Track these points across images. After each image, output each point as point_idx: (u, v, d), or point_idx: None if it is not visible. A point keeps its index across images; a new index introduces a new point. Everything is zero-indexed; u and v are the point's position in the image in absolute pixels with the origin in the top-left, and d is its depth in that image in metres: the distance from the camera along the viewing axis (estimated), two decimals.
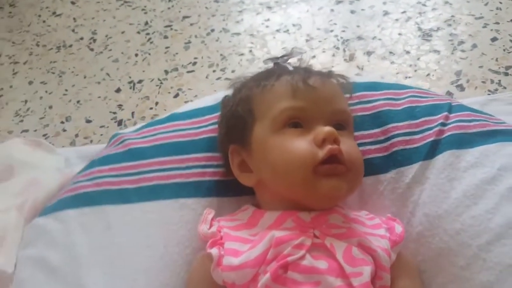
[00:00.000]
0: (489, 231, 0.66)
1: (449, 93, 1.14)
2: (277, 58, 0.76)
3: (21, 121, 1.34)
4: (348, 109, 0.71)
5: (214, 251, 0.62)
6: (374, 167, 0.77)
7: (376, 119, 0.81)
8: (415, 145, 0.77)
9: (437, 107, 0.81)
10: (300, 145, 0.63)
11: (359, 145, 0.77)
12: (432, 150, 0.76)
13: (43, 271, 0.73)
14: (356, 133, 0.78)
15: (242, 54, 1.39)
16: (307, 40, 1.38)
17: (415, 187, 0.75)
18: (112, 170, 0.81)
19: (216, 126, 0.81)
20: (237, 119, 0.71)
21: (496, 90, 1.13)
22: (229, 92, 0.77)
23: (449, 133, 0.77)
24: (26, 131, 1.30)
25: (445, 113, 0.79)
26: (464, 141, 0.75)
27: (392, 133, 0.79)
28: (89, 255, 0.73)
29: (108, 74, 1.42)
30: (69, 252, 0.73)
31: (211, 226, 0.66)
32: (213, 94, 0.93)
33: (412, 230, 0.72)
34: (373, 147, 0.79)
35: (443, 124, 0.78)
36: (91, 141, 1.22)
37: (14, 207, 0.85)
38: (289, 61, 0.75)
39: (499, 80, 1.15)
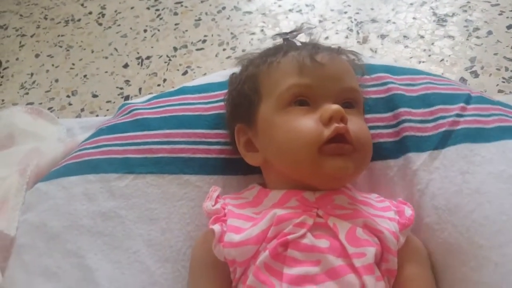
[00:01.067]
0: (504, 234, 0.62)
1: (462, 80, 1.12)
2: (286, 33, 0.74)
3: (27, 93, 1.33)
4: (357, 87, 0.68)
5: (216, 227, 0.61)
6: (384, 151, 0.75)
7: (389, 103, 0.78)
8: (427, 134, 0.74)
9: (455, 97, 0.78)
10: (306, 123, 0.61)
11: (371, 128, 0.75)
12: (444, 140, 0.73)
13: (43, 237, 0.72)
14: (369, 116, 0.76)
15: (253, 33, 1.37)
16: (320, 21, 1.35)
17: (422, 175, 0.72)
18: (118, 139, 0.80)
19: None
20: (243, 97, 0.69)
21: (511, 78, 1.10)
22: (237, 69, 0.75)
23: (465, 126, 0.73)
24: (32, 103, 1.29)
25: (462, 104, 0.76)
26: (480, 135, 0.72)
27: (403, 117, 0.76)
28: (90, 224, 0.72)
29: (116, 49, 1.41)
30: (70, 220, 0.73)
31: (216, 203, 0.65)
32: (224, 71, 0.91)
33: (420, 220, 0.69)
34: (384, 131, 0.76)
35: (459, 115, 0.75)
36: (97, 116, 1.21)
37: (15, 172, 0.85)
38: (298, 37, 0.73)
39: None
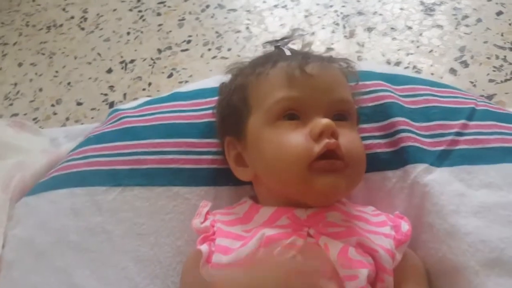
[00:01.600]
0: (501, 264, 0.60)
1: (452, 70, 1.10)
2: (277, 41, 0.71)
3: (11, 104, 1.30)
4: (350, 98, 0.65)
5: (204, 247, 0.59)
6: (381, 162, 0.72)
7: (386, 110, 0.74)
8: (424, 147, 0.71)
9: (456, 112, 0.74)
10: (295, 139, 0.58)
11: (367, 138, 0.73)
12: (441, 159, 0.70)
13: (31, 253, 0.71)
14: (365, 126, 0.73)
15: (238, 31, 1.34)
16: (305, 16, 1.33)
17: (417, 188, 0.69)
18: (105, 149, 0.78)
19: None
20: (232, 109, 0.67)
21: (502, 66, 1.09)
22: (226, 78, 0.73)
23: (464, 146, 0.70)
24: (16, 114, 1.27)
25: (464, 121, 0.73)
26: (480, 156, 0.69)
27: (401, 126, 0.72)
28: (78, 241, 0.71)
29: (99, 54, 1.38)
30: (58, 236, 0.72)
31: (205, 220, 0.63)
32: (219, 76, 0.89)
33: (417, 236, 0.66)
34: (382, 141, 0.73)
35: (459, 134, 0.71)
36: (82, 124, 1.18)
37: None
38: (290, 43, 0.71)
39: (505, 56, 1.10)
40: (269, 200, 0.63)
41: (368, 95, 0.76)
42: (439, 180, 0.68)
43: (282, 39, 0.71)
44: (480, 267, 0.60)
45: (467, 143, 0.71)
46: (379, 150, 0.72)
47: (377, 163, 0.72)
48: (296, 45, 0.72)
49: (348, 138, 0.60)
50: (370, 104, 0.75)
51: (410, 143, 0.71)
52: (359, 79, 0.72)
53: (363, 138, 0.72)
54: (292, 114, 0.60)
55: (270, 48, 0.72)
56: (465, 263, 0.61)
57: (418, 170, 0.69)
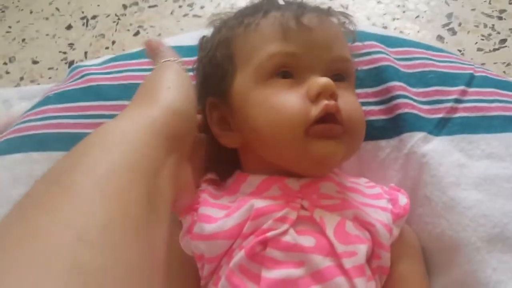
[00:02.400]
0: (504, 239, 0.56)
1: (440, 37, 1.05)
2: None
3: None
4: (349, 57, 0.57)
5: (185, 218, 0.53)
6: (376, 130, 0.66)
7: (381, 74, 0.69)
8: (421, 114, 0.66)
9: (454, 77, 0.69)
10: (290, 100, 0.51)
11: (362, 104, 0.65)
12: (440, 127, 0.65)
13: None
14: (359, 90, 0.66)
15: None
16: None
17: (414, 158, 0.64)
18: (68, 110, 0.71)
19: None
20: (215, 66, 0.58)
21: (490, 35, 1.04)
22: (208, 31, 0.63)
23: (463, 114, 0.65)
24: None
25: (463, 87, 0.67)
26: (480, 125, 0.64)
27: (397, 92, 0.66)
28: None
29: (57, 9, 1.28)
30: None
31: None
32: (196, 32, 0.80)
33: (412, 210, 0.61)
34: (376, 107, 0.67)
35: (458, 101, 0.66)
36: (38, 84, 1.10)
37: None
38: None
39: (493, 25, 1.06)
40: (257, 169, 0.56)
41: (362, 57, 0.69)
42: (438, 150, 0.63)
43: None
44: (482, 243, 0.56)
45: (466, 111, 0.65)
46: (373, 118, 0.66)
47: (370, 131, 0.64)
48: None
49: (348, 101, 0.53)
50: (364, 68, 0.69)
51: (407, 110, 0.65)
52: (356, 38, 0.63)
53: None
54: (286, 72, 0.53)
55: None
56: (465, 239, 0.57)
57: (415, 139, 0.64)
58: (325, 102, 0.49)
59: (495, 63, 0.99)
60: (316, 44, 0.53)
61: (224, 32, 0.58)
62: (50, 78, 1.11)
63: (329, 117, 0.50)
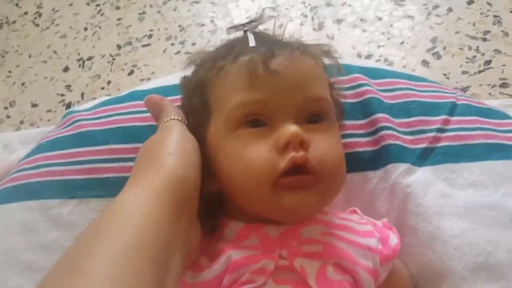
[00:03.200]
0: (489, 267, 0.58)
1: (425, 62, 1.07)
2: (244, 24, 0.59)
3: None
4: (325, 95, 0.55)
5: None
6: (362, 162, 0.67)
7: (366, 107, 0.70)
8: (405, 145, 0.67)
9: (436, 106, 0.70)
10: (257, 152, 0.50)
11: (348, 136, 0.68)
12: (423, 158, 0.66)
13: None
14: (347, 123, 0.68)
15: (203, 25, 1.28)
16: (272, 8, 1.28)
17: (400, 189, 0.65)
18: (59, 157, 0.73)
19: None
20: (192, 110, 0.58)
21: (475, 57, 1.06)
22: (189, 71, 0.63)
23: (446, 143, 0.67)
24: None
25: (445, 116, 0.69)
26: (463, 154, 0.66)
27: (381, 123, 0.68)
28: (32, 260, 0.67)
29: (55, 52, 1.31)
30: (11, 255, 0.67)
31: None
32: (180, 72, 0.82)
33: (401, 239, 0.62)
34: (363, 139, 0.68)
35: (440, 130, 0.68)
36: (38, 128, 1.12)
37: None
38: (258, 27, 0.60)
39: (477, 47, 1.08)
40: (237, 214, 0.56)
41: (348, 91, 0.71)
42: (422, 180, 0.65)
43: (250, 22, 0.59)
44: (467, 272, 0.58)
45: (449, 140, 0.67)
46: (359, 149, 0.68)
47: (357, 163, 0.67)
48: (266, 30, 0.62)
49: (323, 146, 0.51)
50: (350, 101, 0.70)
51: (391, 141, 0.67)
52: (341, 69, 0.62)
53: (344, 136, 0.68)
54: (256, 120, 0.52)
55: (238, 34, 0.60)
56: (451, 268, 0.59)
57: (399, 170, 0.66)
58: (292, 154, 0.48)
59: (480, 85, 1.01)
60: (285, 88, 0.51)
61: (200, 74, 0.58)
62: (49, 120, 1.14)
63: (298, 168, 0.49)
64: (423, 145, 0.67)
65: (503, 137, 0.68)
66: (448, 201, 0.62)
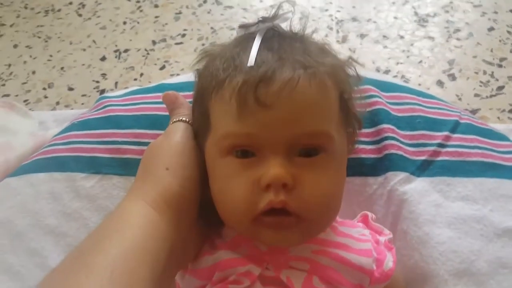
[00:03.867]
0: (470, 274, 0.61)
1: (440, 82, 1.11)
2: (255, 24, 0.55)
3: (3, 85, 1.30)
4: (324, 128, 0.50)
5: None
6: (365, 168, 0.72)
7: (374, 117, 0.74)
8: (406, 155, 0.71)
9: (440, 123, 0.74)
10: (239, 188, 0.48)
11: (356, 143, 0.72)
12: (422, 169, 0.70)
13: (8, 234, 0.72)
14: None
15: (233, 29, 1.35)
16: (300, 18, 1.32)
17: (396, 196, 0.70)
18: (88, 136, 0.78)
19: None
20: (196, 118, 0.57)
21: (488, 82, 1.10)
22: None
23: (445, 158, 0.71)
24: (8, 95, 1.27)
25: (447, 133, 0.73)
26: (459, 169, 0.69)
27: (386, 133, 0.72)
28: (55, 224, 0.72)
29: (94, 41, 1.39)
30: (36, 219, 0.73)
31: None
32: None
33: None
34: (368, 147, 0.73)
35: (441, 145, 0.72)
36: (72, 109, 1.19)
37: None
38: (273, 24, 0.56)
39: (492, 72, 1.12)
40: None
41: (359, 100, 0.76)
42: (418, 189, 0.69)
43: (263, 20, 0.55)
44: (449, 277, 0.62)
45: (448, 155, 0.71)
46: (364, 156, 0.73)
47: (360, 168, 0.72)
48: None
49: (311, 184, 0.48)
50: (359, 110, 0.75)
51: (393, 151, 0.72)
52: (360, 80, 0.59)
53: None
54: (246, 151, 0.49)
55: (248, 30, 0.56)
56: (435, 271, 0.62)
57: (398, 178, 0.70)
58: (271, 197, 0.46)
59: (490, 109, 1.05)
60: (276, 121, 0.47)
61: (202, 83, 0.55)
62: (82, 104, 1.21)
63: (279, 209, 0.47)
64: (423, 157, 0.71)
65: (499, 157, 0.71)
66: (440, 211, 0.66)
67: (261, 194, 0.47)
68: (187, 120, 0.57)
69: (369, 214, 0.63)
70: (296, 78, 0.47)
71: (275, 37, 0.53)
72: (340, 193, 0.53)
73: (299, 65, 0.48)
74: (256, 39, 0.51)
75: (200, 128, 0.55)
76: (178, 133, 0.55)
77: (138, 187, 0.52)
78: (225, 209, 0.51)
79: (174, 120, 0.58)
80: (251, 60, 0.48)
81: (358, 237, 0.57)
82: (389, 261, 0.57)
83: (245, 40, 0.53)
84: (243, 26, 0.57)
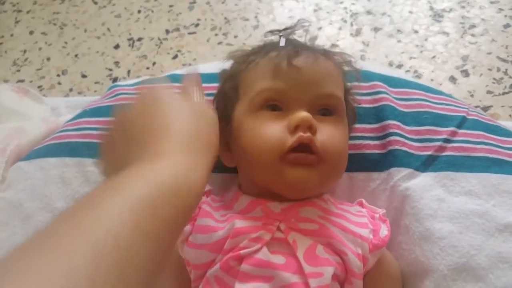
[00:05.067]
0: (469, 269, 0.62)
1: (452, 78, 1.10)
2: (280, 30, 0.69)
3: (18, 70, 1.33)
4: (337, 93, 0.63)
5: (187, 227, 0.60)
6: (369, 163, 0.73)
7: (379, 113, 0.75)
8: (412, 151, 0.72)
9: (447, 118, 0.75)
10: (271, 130, 0.58)
11: (359, 138, 0.73)
12: (427, 164, 0.71)
13: (18, 216, 0.74)
14: (358, 126, 0.74)
15: (247, 20, 1.35)
16: (315, 10, 1.33)
17: (398, 191, 0.70)
18: (99, 123, 0.80)
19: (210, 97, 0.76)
20: (223, 96, 0.67)
21: (502, 79, 1.09)
22: (226, 64, 0.71)
23: (450, 153, 0.71)
24: (22, 81, 1.29)
25: (453, 128, 0.74)
26: (464, 164, 0.70)
27: (391, 130, 0.73)
28: (64, 208, 0.71)
29: (108, 29, 1.40)
30: (45, 202, 0.75)
31: None
32: (217, 62, 0.88)
33: (393, 238, 0.68)
34: (372, 142, 0.74)
35: (447, 140, 0.73)
36: (85, 96, 1.21)
37: None
38: (292, 34, 0.69)
39: (506, 69, 1.10)
40: (248, 189, 0.64)
41: (365, 96, 0.77)
42: (421, 185, 0.69)
43: (285, 29, 0.70)
44: (448, 271, 0.62)
45: (453, 150, 0.72)
46: (367, 151, 0.74)
47: (364, 163, 0.73)
48: (301, 37, 0.71)
49: (328, 134, 0.59)
50: (365, 105, 0.76)
51: (397, 147, 0.72)
52: (359, 75, 0.71)
53: (355, 138, 0.73)
54: (275, 105, 0.60)
55: (273, 37, 0.70)
56: (434, 266, 0.63)
57: (402, 174, 0.71)
58: (300, 133, 0.56)
59: (502, 106, 1.04)
60: (303, 81, 0.60)
61: (234, 67, 0.68)
62: (95, 91, 1.22)
63: (304, 147, 0.56)
64: (428, 153, 0.72)
65: (504, 154, 0.71)
66: (442, 205, 0.67)
67: (290, 136, 0.57)
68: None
69: (363, 200, 0.69)
70: (318, 55, 0.62)
71: (295, 40, 0.68)
72: (347, 150, 0.64)
73: (317, 51, 0.64)
74: (281, 36, 0.66)
75: (228, 102, 0.65)
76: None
77: (142, 166, 0.42)
78: (256, 150, 0.58)
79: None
80: (282, 42, 0.64)
81: (356, 213, 0.64)
82: (384, 230, 0.62)
83: (269, 42, 0.69)
84: (269, 31, 0.71)
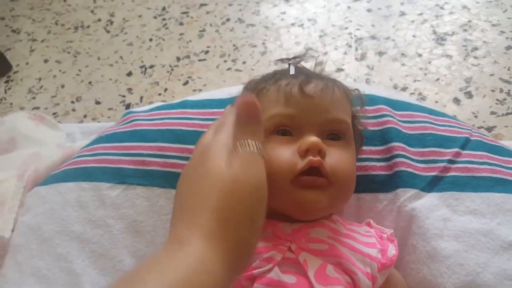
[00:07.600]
0: (476, 286, 0.63)
1: (456, 100, 1.13)
2: (289, 59, 0.73)
3: (34, 98, 1.36)
4: (345, 119, 0.65)
5: None
6: (376, 184, 0.75)
7: (385, 135, 0.78)
8: (416, 172, 0.74)
9: (450, 140, 0.77)
10: (282, 154, 0.60)
11: (365, 160, 0.75)
12: (432, 185, 0.73)
13: (37, 240, 0.76)
14: (364, 148, 0.76)
15: (254, 46, 1.39)
16: (320, 36, 1.37)
17: (405, 212, 0.72)
18: (114, 148, 0.83)
19: None
20: None
21: (505, 100, 1.11)
22: (234, 90, 0.77)
23: (455, 173, 0.73)
24: (37, 108, 1.33)
25: (457, 149, 0.75)
26: (468, 184, 0.72)
27: (396, 151, 0.76)
28: (80, 231, 0.76)
29: (121, 57, 1.44)
30: (63, 226, 0.77)
31: None
32: (228, 88, 0.92)
33: (401, 258, 0.70)
34: (378, 164, 0.76)
35: (451, 161, 0.74)
36: (99, 122, 1.24)
37: (14, 176, 0.89)
38: (301, 62, 0.73)
39: (509, 90, 1.13)
40: None
41: (371, 119, 0.79)
42: (427, 205, 0.71)
43: (294, 57, 0.73)
44: None
45: (457, 171, 0.73)
46: (374, 173, 0.75)
47: (371, 184, 0.75)
48: (308, 64, 0.74)
49: (337, 157, 0.61)
50: (371, 128, 0.79)
51: (403, 168, 0.74)
52: (364, 102, 0.74)
53: (361, 160, 0.75)
54: (285, 130, 0.62)
55: (282, 65, 0.73)
56: (442, 285, 0.65)
57: (408, 194, 0.73)
58: (310, 157, 0.58)
59: (506, 126, 1.06)
60: (314, 108, 0.62)
61: (246, 91, 0.71)
62: (109, 117, 1.25)
63: (314, 170, 0.58)
64: (433, 173, 0.74)
65: (507, 173, 0.73)
66: (448, 224, 0.68)
67: (301, 159, 0.59)
68: (259, 152, 0.50)
69: (371, 221, 0.70)
70: (328, 83, 0.65)
71: (304, 69, 0.71)
72: (355, 173, 0.65)
73: (325, 79, 0.67)
74: (290, 64, 0.69)
75: None
76: (254, 165, 0.50)
77: (177, 230, 0.45)
78: (269, 174, 0.50)
79: (247, 150, 0.50)
80: (292, 71, 0.68)
81: (364, 233, 0.66)
82: (392, 249, 0.64)
83: (279, 70, 0.71)
84: (279, 60, 0.74)
